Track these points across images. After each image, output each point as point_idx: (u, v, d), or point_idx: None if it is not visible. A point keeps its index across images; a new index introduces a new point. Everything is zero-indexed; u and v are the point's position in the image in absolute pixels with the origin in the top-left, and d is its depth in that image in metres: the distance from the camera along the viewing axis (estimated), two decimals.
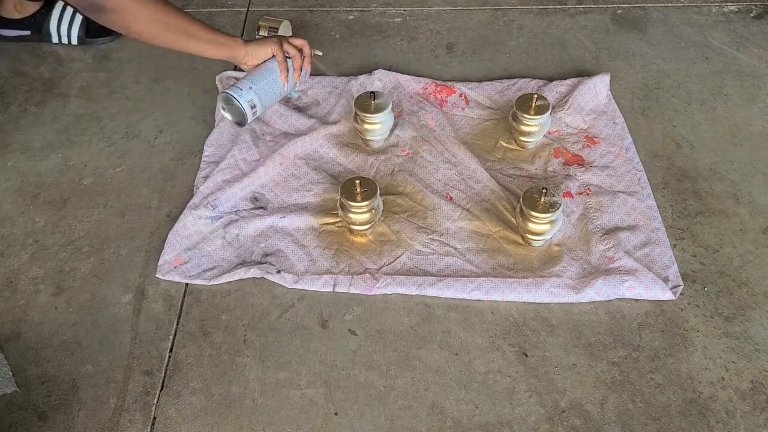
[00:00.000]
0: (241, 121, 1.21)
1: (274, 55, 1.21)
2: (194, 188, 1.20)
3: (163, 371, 0.96)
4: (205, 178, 1.21)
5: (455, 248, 1.10)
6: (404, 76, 1.39)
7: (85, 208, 1.18)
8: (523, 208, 1.05)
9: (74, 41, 1.49)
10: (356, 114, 1.22)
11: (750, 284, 1.06)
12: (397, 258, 1.09)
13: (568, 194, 1.17)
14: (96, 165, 1.25)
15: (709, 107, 1.35)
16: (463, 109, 1.34)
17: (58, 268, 1.09)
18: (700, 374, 0.96)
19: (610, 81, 1.35)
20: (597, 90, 1.33)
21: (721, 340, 0.99)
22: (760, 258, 1.09)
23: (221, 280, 1.06)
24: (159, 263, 1.08)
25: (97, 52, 1.50)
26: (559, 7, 1.61)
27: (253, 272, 1.06)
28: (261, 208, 1.17)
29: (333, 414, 0.92)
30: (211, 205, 1.15)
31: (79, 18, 1.48)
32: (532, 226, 1.06)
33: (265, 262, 1.08)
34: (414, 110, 1.33)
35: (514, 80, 1.39)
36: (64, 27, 1.47)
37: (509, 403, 0.93)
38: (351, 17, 1.59)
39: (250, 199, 1.18)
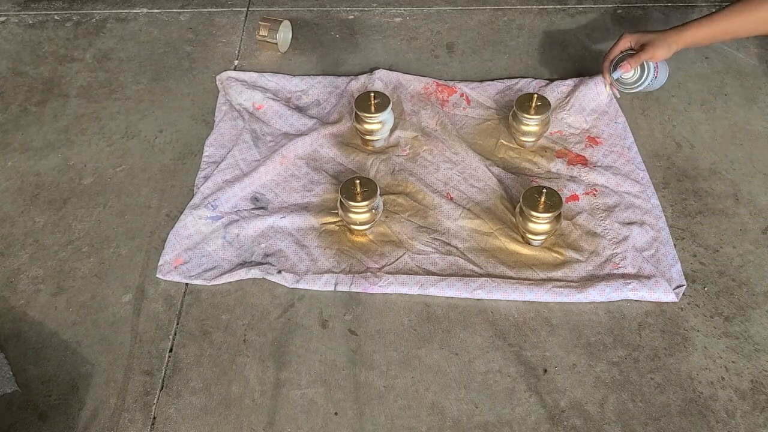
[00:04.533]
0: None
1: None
2: (194, 188, 1.20)
3: (163, 371, 0.96)
4: (206, 178, 1.21)
5: (456, 248, 1.10)
6: (405, 75, 1.39)
7: (85, 208, 1.18)
8: (523, 207, 1.05)
9: None
10: (357, 114, 1.22)
11: (750, 284, 1.06)
12: (399, 258, 1.09)
13: (575, 197, 1.17)
14: (96, 165, 1.25)
15: (709, 107, 1.35)
16: (464, 108, 1.34)
17: (58, 268, 1.09)
18: (700, 374, 0.96)
19: None
20: (598, 90, 1.33)
21: (721, 340, 0.99)
22: (760, 258, 1.09)
23: (221, 281, 1.06)
24: (159, 263, 1.08)
25: (97, 53, 1.50)
26: (559, 7, 1.61)
27: (254, 273, 1.06)
28: (261, 208, 1.17)
29: (333, 414, 0.92)
30: (212, 205, 1.15)
31: None
32: (532, 225, 1.06)
33: (266, 263, 1.08)
34: (415, 110, 1.33)
35: (516, 80, 1.39)
36: None
37: (509, 403, 0.93)
38: (351, 17, 1.59)
39: (251, 199, 1.18)
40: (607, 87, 1.27)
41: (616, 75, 1.21)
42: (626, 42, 1.19)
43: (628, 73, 1.20)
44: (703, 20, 1.13)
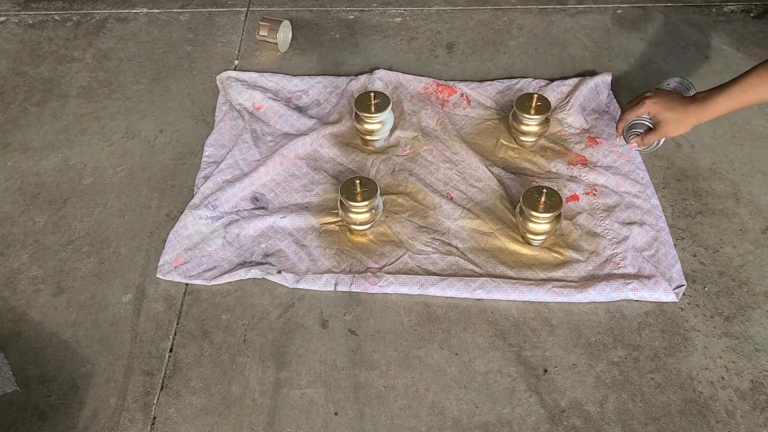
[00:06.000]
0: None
1: None
2: (195, 188, 1.20)
3: (163, 371, 0.96)
4: (206, 178, 1.21)
5: (456, 248, 1.10)
6: (405, 75, 1.39)
7: (85, 208, 1.18)
8: (523, 207, 1.05)
9: None
10: (357, 114, 1.22)
11: (750, 284, 1.06)
12: (399, 258, 1.09)
13: (575, 197, 1.17)
14: (96, 165, 1.25)
15: None
16: (464, 108, 1.34)
17: (58, 268, 1.09)
18: (700, 374, 0.96)
19: (611, 81, 1.35)
20: (598, 90, 1.33)
21: (721, 340, 0.99)
22: (760, 258, 1.09)
23: (221, 281, 1.06)
24: (159, 263, 1.08)
25: (97, 53, 1.50)
26: (559, 7, 1.61)
27: (254, 273, 1.06)
28: (261, 208, 1.17)
29: (333, 414, 0.92)
30: (212, 205, 1.15)
31: None
32: (531, 225, 1.06)
33: (266, 263, 1.08)
34: (415, 110, 1.33)
35: (516, 80, 1.39)
36: None
37: (509, 403, 0.93)
38: (351, 17, 1.59)
39: (251, 199, 1.18)
40: (617, 141, 1.23)
41: (622, 149, 1.22)
42: (646, 109, 1.12)
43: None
44: (725, 93, 1.06)
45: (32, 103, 1.38)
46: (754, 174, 1.22)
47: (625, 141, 1.17)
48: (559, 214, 1.06)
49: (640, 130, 1.14)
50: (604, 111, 1.32)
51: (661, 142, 1.15)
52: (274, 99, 1.33)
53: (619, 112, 1.31)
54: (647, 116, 1.13)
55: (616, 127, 1.18)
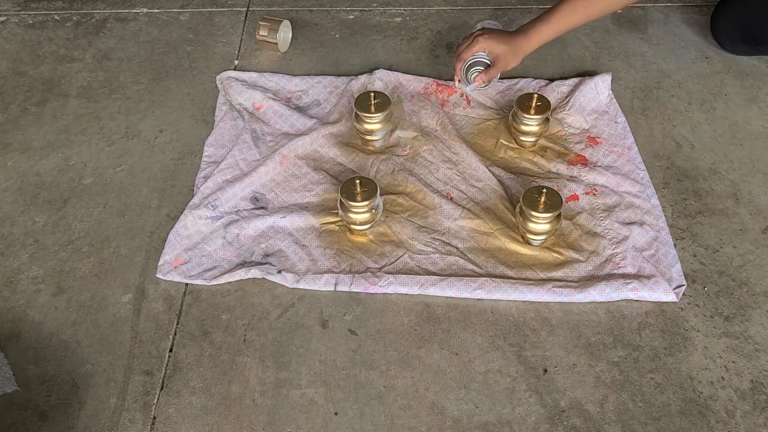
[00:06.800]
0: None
1: None
2: (194, 188, 1.20)
3: (163, 371, 0.96)
4: (206, 178, 1.21)
5: (456, 248, 1.10)
6: (405, 75, 1.39)
7: (85, 208, 1.18)
8: (523, 207, 1.05)
9: None
10: (357, 114, 1.22)
11: (750, 284, 1.06)
12: (399, 258, 1.09)
13: (575, 197, 1.17)
14: (96, 165, 1.25)
15: (709, 107, 1.35)
16: (464, 108, 1.34)
17: (58, 268, 1.09)
18: (700, 374, 0.96)
19: (611, 81, 1.35)
20: (598, 90, 1.33)
21: (721, 340, 0.99)
22: (760, 258, 1.09)
23: (221, 281, 1.06)
24: (159, 263, 1.08)
25: (97, 53, 1.50)
26: None
27: (254, 273, 1.06)
28: (261, 208, 1.17)
29: (333, 414, 0.92)
30: (212, 205, 1.15)
31: None
32: (531, 225, 1.06)
33: (266, 263, 1.08)
34: (415, 110, 1.33)
35: (516, 80, 1.39)
36: None
37: (509, 403, 0.93)
38: (351, 17, 1.59)
39: (251, 199, 1.18)
40: (457, 83, 1.27)
41: (469, 89, 1.26)
42: (481, 46, 1.21)
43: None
44: (544, 22, 1.19)
45: (32, 103, 1.38)
46: (754, 174, 1.22)
47: (468, 81, 1.23)
48: (559, 214, 1.06)
49: (481, 68, 1.21)
50: (604, 111, 1.32)
51: (498, 77, 1.25)
52: (274, 99, 1.33)
53: (620, 113, 1.32)
54: (483, 53, 1.21)
55: (455, 69, 1.23)
